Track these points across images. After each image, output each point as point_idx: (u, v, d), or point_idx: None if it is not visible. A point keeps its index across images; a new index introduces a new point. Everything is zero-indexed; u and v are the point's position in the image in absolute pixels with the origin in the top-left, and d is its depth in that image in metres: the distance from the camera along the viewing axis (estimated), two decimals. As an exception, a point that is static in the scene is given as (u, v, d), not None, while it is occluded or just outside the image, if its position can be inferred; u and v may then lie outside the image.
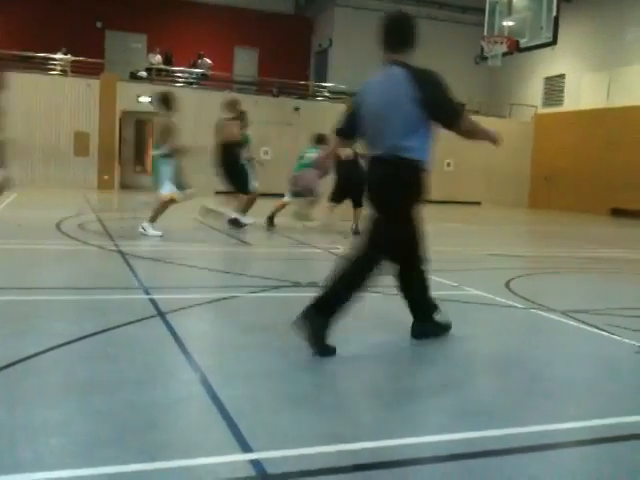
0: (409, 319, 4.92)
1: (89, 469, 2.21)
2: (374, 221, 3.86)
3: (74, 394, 2.92)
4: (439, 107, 3.67)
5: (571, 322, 4.82)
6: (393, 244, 3.86)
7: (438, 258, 9.05)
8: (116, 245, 7.62)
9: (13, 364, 3.21)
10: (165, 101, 9.08)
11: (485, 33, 16.58)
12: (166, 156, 8.83)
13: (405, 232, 3.89)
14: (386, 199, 3.80)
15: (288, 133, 21.70)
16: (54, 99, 19.56)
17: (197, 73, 23.29)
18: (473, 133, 3.88)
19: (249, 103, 21.65)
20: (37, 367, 3.27)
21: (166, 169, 8.85)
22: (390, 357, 3.83)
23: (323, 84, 25.57)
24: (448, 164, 23.15)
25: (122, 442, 2.43)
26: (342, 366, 3.58)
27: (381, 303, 5.37)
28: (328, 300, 3.70)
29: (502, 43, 16.14)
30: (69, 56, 21.06)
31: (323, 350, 3.63)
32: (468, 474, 2.35)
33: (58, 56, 21.04)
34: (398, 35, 3.79)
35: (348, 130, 4.07)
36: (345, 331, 4.49)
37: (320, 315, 3.64)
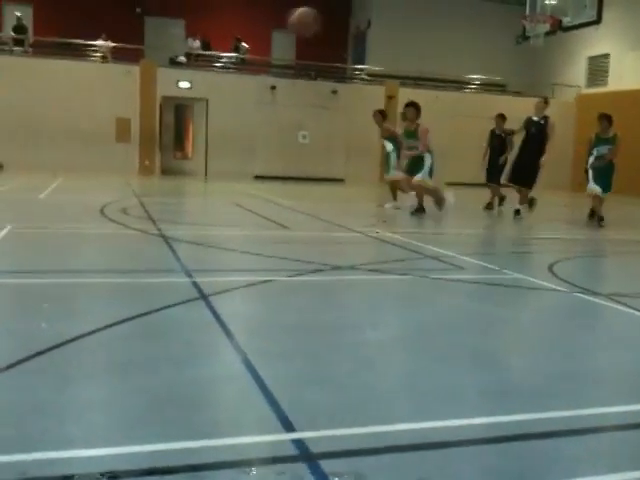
0: (441, 301, 4.90)
1: (134, 446, 2.25)
2: None
3: (118, 373, 2.98)
4: None
5: (617, 306, 4.72)
6: None
7: (479, 241, 9.00)
8: (158, 229, 7.72)
9: (60, 345, 3.28)
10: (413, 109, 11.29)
11: (527, 12, 16.26)
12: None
13: None
14: None
15: (326, 117, 21.63)
16: (95, 85, 19.81)
17: (235, 58, 23.34)
18: None
19: (286, 87, 21.71)
20: (82, 348, 3.34)
21: None
22: (426, 340, 3.81)
23: (361, 66, 25.38)
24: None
25: (166, 420, 2.47)
26: (379, 349, 3.58)
27: (412, 286, 5.34)
28: None
29: (544, 22, 15.83)
30: (109, 42, 21.29)
31: None
32: (505, 457, 2.33)
33: (98, 43, 21.30)
34: None
35: None
36: (379, 312, 4.49)
37: None
